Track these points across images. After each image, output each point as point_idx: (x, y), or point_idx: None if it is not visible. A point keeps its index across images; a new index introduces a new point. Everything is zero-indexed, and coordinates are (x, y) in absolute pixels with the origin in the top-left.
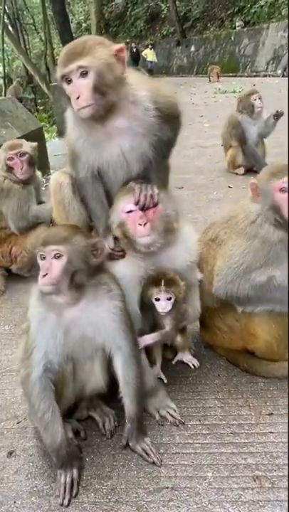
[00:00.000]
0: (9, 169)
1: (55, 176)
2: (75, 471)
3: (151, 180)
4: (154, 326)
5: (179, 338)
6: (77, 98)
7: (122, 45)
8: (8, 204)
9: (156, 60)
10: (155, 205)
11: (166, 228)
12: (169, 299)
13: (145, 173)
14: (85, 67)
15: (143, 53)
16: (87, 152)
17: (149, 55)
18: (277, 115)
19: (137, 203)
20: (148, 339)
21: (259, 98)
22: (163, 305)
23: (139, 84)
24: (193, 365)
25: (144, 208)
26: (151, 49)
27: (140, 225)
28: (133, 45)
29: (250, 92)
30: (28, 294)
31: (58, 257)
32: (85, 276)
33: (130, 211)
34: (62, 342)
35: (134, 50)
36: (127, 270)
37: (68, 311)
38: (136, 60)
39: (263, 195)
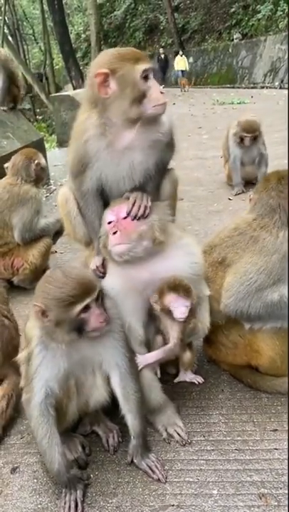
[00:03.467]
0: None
1: (62, 191)
2: (79, 492)
3: (158, 190)
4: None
5: (186, 354)
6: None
7: None
8: (23, 213)
9: (187, 69)
10: (146, 216)
11: (149, 237)
12: (187, 306)
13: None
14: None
15: (175, 62)
16: (102, 163)
17: (179, 62)
18: None
19: (129, 213)
20: (150, 358)
21: (252, 139)
22: (183, 310)
23: None
24: (197, 381)
25: (135, 218)
26: (182, 55)
27: (113, 233)
28: (161, 50)
29: (246, 126)
30: (29, 306)
31: (98, 298)
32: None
33: (109, 222)
34: (65, 366)
35: (162, 57)
36: (116, 281)
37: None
38: (164, 68)
39: None
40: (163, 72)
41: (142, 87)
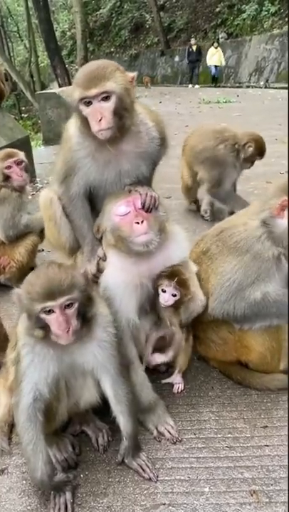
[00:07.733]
0: (6, 178)
1: (44, 193)
2: (68, 494)
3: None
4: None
5: (181, 357)
6: (100, 120)
7: (135, 74)
8: (2, 212)
9: (223, 64)
10: (157, 206)
11: (160, 228)
12: (174, 295)
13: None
14: (109, 91)
15: (208, 55)
16: (88, 170)
17: (213, 56)
18: None
19: (143, 205)
20: (158, 358)
21: None
22: (166, 298)
23: (144, 113)
24: (178, 388)
25: (148, 210)
26: (216, 47)
27: (137, 223)
28: (192, 41)
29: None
30: (16, 305)
31: (69, 306)
32: (90, 309)
33: (124, 214)
34: (54, 370)
35: (194, 48)
36: (122, 278)
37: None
38: (194, 63)
39: None
40: (192, 68)
41: (83, 113)
